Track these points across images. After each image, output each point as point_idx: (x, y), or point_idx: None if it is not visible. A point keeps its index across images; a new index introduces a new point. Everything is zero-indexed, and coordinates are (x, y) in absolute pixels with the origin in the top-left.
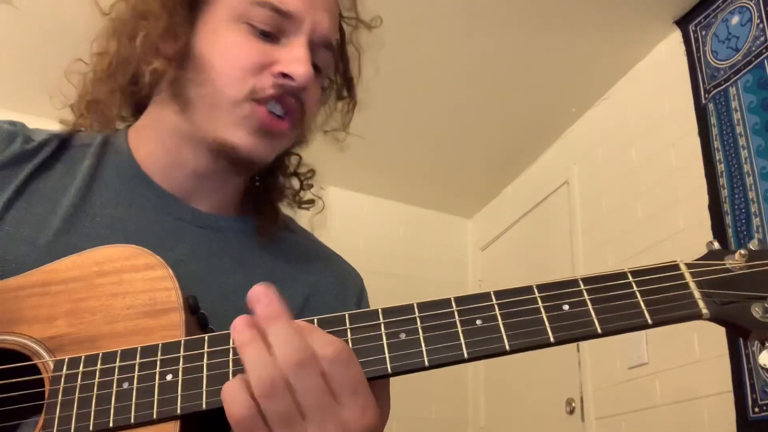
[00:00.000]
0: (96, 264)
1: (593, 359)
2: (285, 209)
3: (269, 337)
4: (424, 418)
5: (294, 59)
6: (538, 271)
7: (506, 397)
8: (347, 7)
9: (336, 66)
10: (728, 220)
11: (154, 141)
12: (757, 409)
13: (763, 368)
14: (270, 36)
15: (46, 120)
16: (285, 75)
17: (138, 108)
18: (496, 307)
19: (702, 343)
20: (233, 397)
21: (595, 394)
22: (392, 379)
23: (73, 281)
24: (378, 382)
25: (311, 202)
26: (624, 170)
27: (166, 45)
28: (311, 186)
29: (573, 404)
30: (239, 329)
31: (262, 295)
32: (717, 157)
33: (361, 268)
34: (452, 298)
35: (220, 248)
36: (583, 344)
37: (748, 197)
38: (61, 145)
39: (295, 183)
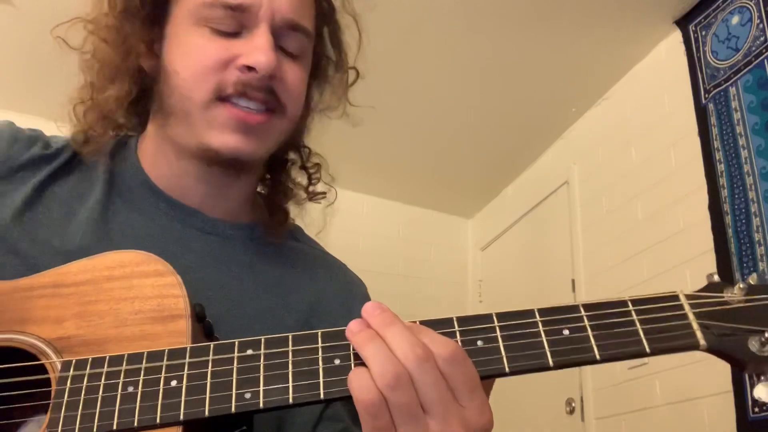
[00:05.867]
0: (107, 268)
1: None
2: (296, 207)
3: (387, 338)
4: None
5: (254, 49)
6: (538, 271)
7: (506, 397)
8: None
9: (332, 42)
10: (728, 220)
11: (157, 153)
12: (757, 409)
13: (758, 401)
14: (232, 33)
15: (45, 120)
16: (249, 67)
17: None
18: (497, 329)
19: None
20: (361, 383)
21: (595, 394)
22: None
23: (84, 284)
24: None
25: (322, 194)
26: (624, 170)
27: (144, 62)
28: (319, 179)
29: (573, 404)
30: (356, 330)
31: (374, 308)
32: (717, 157)
33: (361, 268)
34: (454, 318)
35: (229, 255)
36: None
37: (748, 197)
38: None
39: (304, 178)
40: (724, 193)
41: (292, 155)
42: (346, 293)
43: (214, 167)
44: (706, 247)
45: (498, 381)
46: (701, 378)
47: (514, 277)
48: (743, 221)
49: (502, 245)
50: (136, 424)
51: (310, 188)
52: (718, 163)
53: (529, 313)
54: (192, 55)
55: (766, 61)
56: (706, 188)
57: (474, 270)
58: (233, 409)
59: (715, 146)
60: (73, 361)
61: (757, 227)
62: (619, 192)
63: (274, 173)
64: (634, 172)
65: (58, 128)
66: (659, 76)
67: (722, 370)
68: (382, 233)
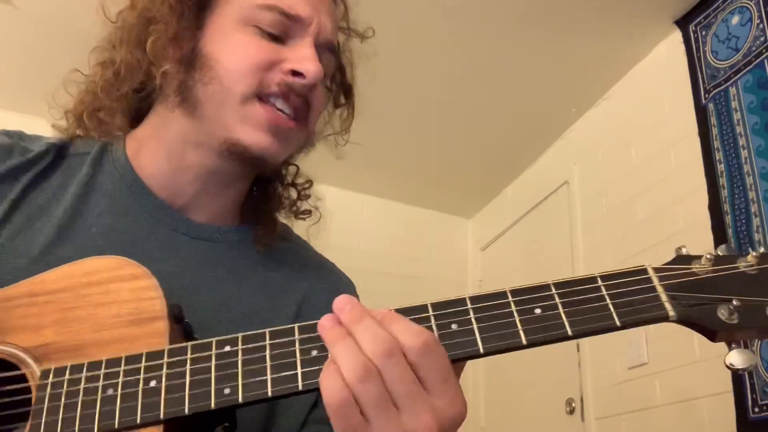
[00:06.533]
0: (84, 275)
1: (593, 359)
2: (282, 219)
3: (356, 335)
4: None
5: (304, 57)
6: (538, 271)
7: (506, 397)
8: (340, 17)
9: (333, 73)
10: (728, 220)
11: (157, 148)
12: (757, 409)
13: (730, 367)
14: (276, 38)
15: (45, 121)
16: (295, 73)
17: (136, 117)
18: (471, 311)
19: (702, 343)
20: (329, 383)
21: (595, 394)
22: None
23: (61, 291)
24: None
25: (308, 212)
26: (624, 170)
27: (174, 50)
28: (308, 196)
29: (573, 404)
30: (328, 326)
31: (345, 304)
32: (717, 157)
33: (361, 268)
34: (429, 304)
35: (214, 260)
36: (583, 344)
37: (748, 197)
38: (58, 154)
39: (293, 193)
40: (724, 193)
41: (283, 170)
42: (333, 293)
43: (229, 163)
44: (706, 247)
45: (498, 381)
46: (701, 378)
47: (514, 277)
48: (743, 221)
49: (502, 245)
50: (117, 425)
51: (298, 203)
52: (718, 163)
53: (501, 294)
54: (241, 49)
55: (766, 61)
56: (706, 188)
57: (474, 270)
58: (213, 405)
59: (715, 146)
60: (52, 369)
61: (757, 227)
62: (619, 192)
63: (264, 184)
64: (634, 172)
65: (54, 129)
66: (659, 76)
67: (722, 370)
68: (383, 233)
